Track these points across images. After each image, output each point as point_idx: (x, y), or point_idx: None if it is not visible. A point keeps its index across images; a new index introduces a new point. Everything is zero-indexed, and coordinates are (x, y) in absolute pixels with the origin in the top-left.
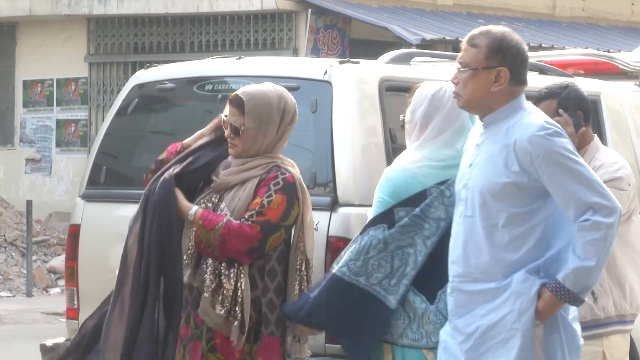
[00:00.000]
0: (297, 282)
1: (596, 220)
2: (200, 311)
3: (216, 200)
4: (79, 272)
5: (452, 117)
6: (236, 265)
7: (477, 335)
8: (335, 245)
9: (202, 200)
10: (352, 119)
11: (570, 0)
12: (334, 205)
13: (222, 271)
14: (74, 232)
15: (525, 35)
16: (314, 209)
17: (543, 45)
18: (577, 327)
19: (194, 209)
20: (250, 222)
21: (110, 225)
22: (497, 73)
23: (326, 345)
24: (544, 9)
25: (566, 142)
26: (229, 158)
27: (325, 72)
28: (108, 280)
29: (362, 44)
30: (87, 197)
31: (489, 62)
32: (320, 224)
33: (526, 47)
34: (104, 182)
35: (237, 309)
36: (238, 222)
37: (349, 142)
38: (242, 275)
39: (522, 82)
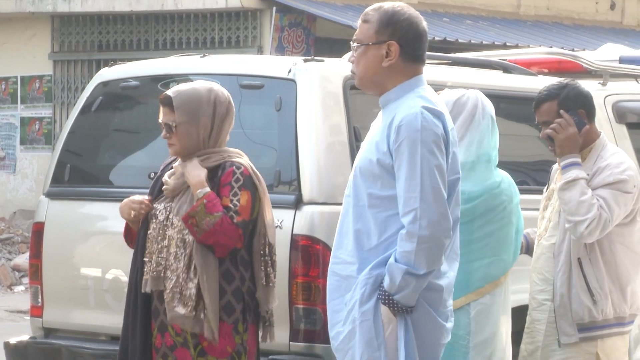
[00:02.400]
0: (263, 267)
1: (410, 230)
2: (169, 316)
3: (171, 206)
4: (43, 270)
5: (471, 123)
6: (192, 260)
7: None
8: (299, 244)
9: (159, 211)
10: (316, 117)
11: None
12: (298, 203)
13: (181, 272)
14: (38, 229)
15: (490, 34)
16: (278, 207)
17: (508, 43)
18: (441, 323)
19: (206, 189)
20: (235, 225)
21: (75, 223)
22: (387, 47)
23: (290, 343)
24: (509, 8)
25: (432, 136)
26: (175, 164)
27: (290, 71)
28: (72, 278)
29: (327, 42)
30: (52, 195)
31: (379, 36)
32: (285, 222)
33: (423, 23)
34: (68, 180)
35: (203, 306)
36: (231, 220)
37: (314, 140)
38: (201, 272)
39: (417, 58)
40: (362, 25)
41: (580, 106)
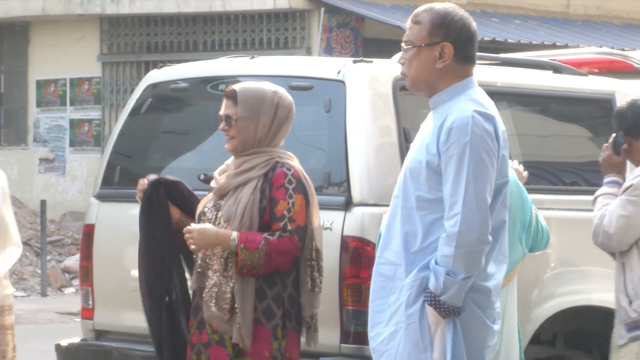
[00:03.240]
0: (309, 271)
1: (450, 235)
2: (205, 315)
3: (221, 204)
4: (94, 272)
5: None
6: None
7: (384, 324)
8: (349, 245)
9: (207, 208)
10: (365, 118)
11: None
12: (348, 205)
13: (221, 273)
14: (89, 232)
15: (540, 34)
16: (328, 209)
17: (557, 43)
18: (487, 325)
19: (234, 235)
20: (288, 234)
21: (125, 225)
22: (440, 49)
23: (341, 345)
24: (558, 8)
25: (482, 141)
26: (226, 162)
27: (339, 72)
28: (123, 279)
29: (375, 43)
30: (102, 197)
31: (432, 38)
32: (335, 223)
33: (474, 24)
34: (118, 182)
35: (236, 310)
36: (276, 237)
37: (363, 141)
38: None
39: (469, 59)
40: (413, 26)
41: (619, 127)
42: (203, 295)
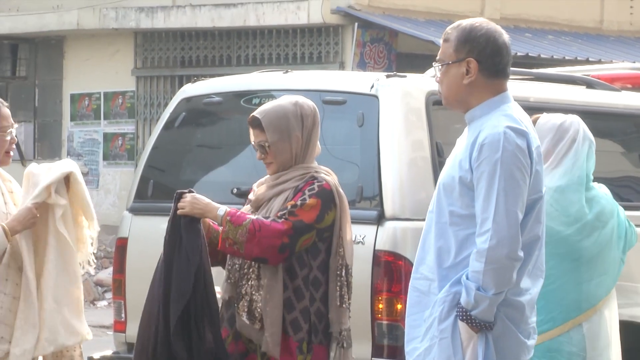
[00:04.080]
0: (338, 288)
1: (480, 251)
2: (238, 325)
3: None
4: (127, 285)
5: (571, 147)
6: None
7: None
8: (382, 260)
9: None
10: (398, 132)
11: (618, 14)
12: (380, 219)
13: (253, 283)
14: (122, 245)
15: (573, 50)
16: (360, 223)
17: (590, 59)
18: (523, 340)
19: (222, 208)
20: (282, 220)
21: (158, 239)
22: (466, 65)
23: (372, 359)
24: (591, 23)
25: (513, 157)
26: (266, 177)
27: (372, 86)
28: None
29: (408, 58)
30: (135, 211)
31: (458, 54)
32: (367, 238)
33: (503, 37)
34: (152, 196)
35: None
36: (268, 220)
37: (396, 156)
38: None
39: (499, 73)
40: (443, 44)
41: None
42: (237, 305)
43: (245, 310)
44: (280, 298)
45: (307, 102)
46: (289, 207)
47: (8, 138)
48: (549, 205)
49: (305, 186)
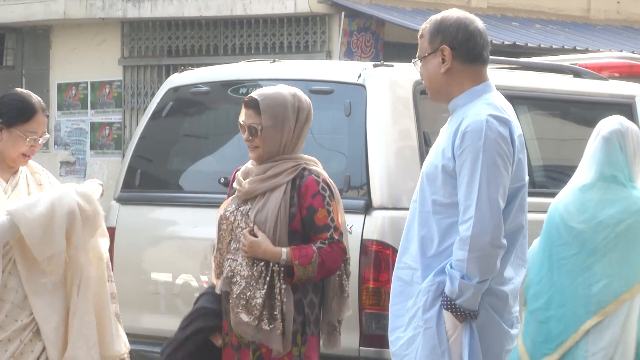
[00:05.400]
0: (338, 277)
1: (463, 238)
2: (232, 321)
3: (244, 210)
4: (114, 274)
5: (591, 145)
6: (267, 272)
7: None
8: (369, 249)
9: (229, 212)
10: (386, 122)
11: (605, 2)
12: (367, 208)
13: (252, 280)
14: (109, 234)
15: (560, 38)
16: (348, 212)
17: (577, 48)
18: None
19: (283, 252)
20: (336, 242)
21: (145, 228)
22: (441, 53)
23: (360, 348)
24: (578, 12)
25: (496, 145)
26: (248, 164)
27: (360, 76)
28: (143, 282)
29: (395, 47)
30: (122, 200)
31: (432, 45)
32: (355, 227)
33: (476, 23)
34: (139, 185)
35: (276, 317)
36: (328, 246)
37: (383, 145)
38: (280, 283)
39: (475, 58)
40: (420, 41)
41: None
42: (230, 300)
43: (241, 307)
44: (292, 295)
45: (305, 96)
46: (329, 222)
47: (29, 143)
48: (569, 203)
49: (309, 184)
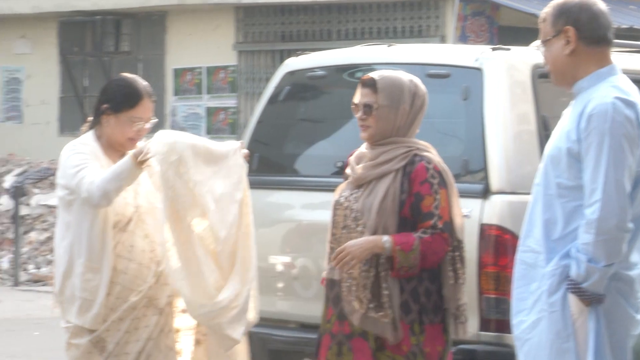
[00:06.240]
0: (451, 264)
1: (590, 222)
2: (346, 309)
3: (357, 196)
4: None
5: None
6: (375, 260)
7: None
8: (488, 233)
9: (344, 198)
10: (504, 106)
11: None
12: (486, 192)
13: (360, 268)
14: None
15: None
16: (466, 197)
17: None
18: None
19: (385, 239)
20: (439, 232)
21: (263, 212)
22: (565, 35)
23: (480, 333)
24: None
25: (622, 128)
26: (362, 148)
27: (477, 59)
28: (261, 266)
29: (510, 31)
30: None
31: (555, 27)
32: (473, 211)
33: (599, 5)
34: (256, 169)
35: (385, 305)
36: (429, 235)
37: (501, 129)
38: (386, 272)
39: (600, 40)
40: (541, 26)
41: None
42: (342, 288)
43: (353, 295)
44: (398, 283)
45: (422, 84)
46: (434, 210)
47: (135, 128)
48: None
49: (419, 171)
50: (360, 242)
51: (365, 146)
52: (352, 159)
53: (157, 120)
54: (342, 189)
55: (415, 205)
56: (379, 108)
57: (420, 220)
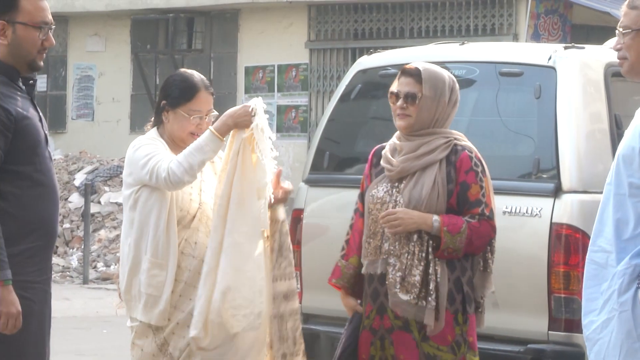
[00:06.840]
0: (482, 252)
1: None
2: (391, 301)
3: (400, 189)
4: (302, 256)
5: None
6: (422, 249)
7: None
8: (559, 233)
9: (383, 192)
10: (576, 104)
11: None
12: (557, 191)
13: (406, 258)
14: (297, 216)
15: None
16: (537, 195)
17: None
18: None
19: (435, 218)
20: (486, 218)
21: (333, 210)
22: None
23: (549, 332)
24: None
25: None
26: (391, 141)
27: (550, 58)
28: (331, 264)
29: (583, 30)
30: (311, 182)
31: None
32: (544, 210)
33: None
34: (327, 167)
35: (431, 293)
36: (477, 221)
37: (574, 128)
38: (435, 261)
39: None
40: (630, 12)
41: None
42: (386, 281)
43: (399, 286)
44: (447, 271)
45: (456, 81)
46: (481, 198)
47: (193, 121)
48: None
49: (463, 160)
50: (412, 214)
51: (398, 139)
52: (386, 152)
53: (216, 113)
54: (376, 184)
55: (462, 193)
56: (423, 98)
57: (467, 208)
